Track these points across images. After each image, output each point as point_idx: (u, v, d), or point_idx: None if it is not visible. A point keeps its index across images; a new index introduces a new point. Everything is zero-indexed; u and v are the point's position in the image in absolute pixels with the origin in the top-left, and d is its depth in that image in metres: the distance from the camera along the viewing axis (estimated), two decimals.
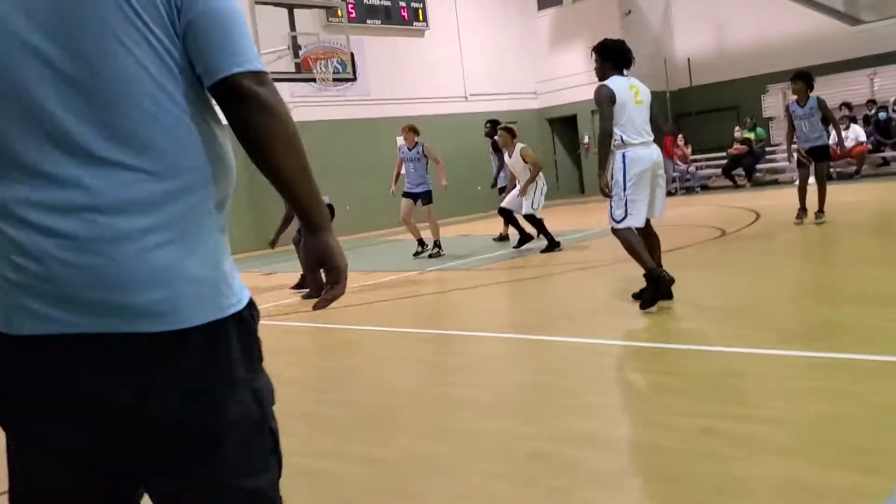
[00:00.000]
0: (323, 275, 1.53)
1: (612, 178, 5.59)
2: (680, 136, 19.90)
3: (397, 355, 5.21)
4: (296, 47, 13.92)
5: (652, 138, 5.68)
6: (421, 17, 19.58)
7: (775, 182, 18.40)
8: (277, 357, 5.65)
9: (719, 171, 19.10)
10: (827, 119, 9.48)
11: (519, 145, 10.82)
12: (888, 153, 16.85)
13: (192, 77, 1.36)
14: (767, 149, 19.26)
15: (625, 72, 5.75)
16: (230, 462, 1.38)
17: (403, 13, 19.18)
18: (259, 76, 1.37)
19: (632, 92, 5.62)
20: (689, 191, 19.07)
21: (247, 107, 1.36)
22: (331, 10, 16.69)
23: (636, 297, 5.72)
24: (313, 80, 14.44)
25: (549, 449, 3.12)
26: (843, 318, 4.72)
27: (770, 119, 19.97)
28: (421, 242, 11.04)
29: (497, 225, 12.63)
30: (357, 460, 3.28)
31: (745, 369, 3.90)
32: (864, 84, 18.41)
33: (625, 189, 5.53)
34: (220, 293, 1.36)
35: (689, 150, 19.64)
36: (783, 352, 4.06)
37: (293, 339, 6.25)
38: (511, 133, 10.83)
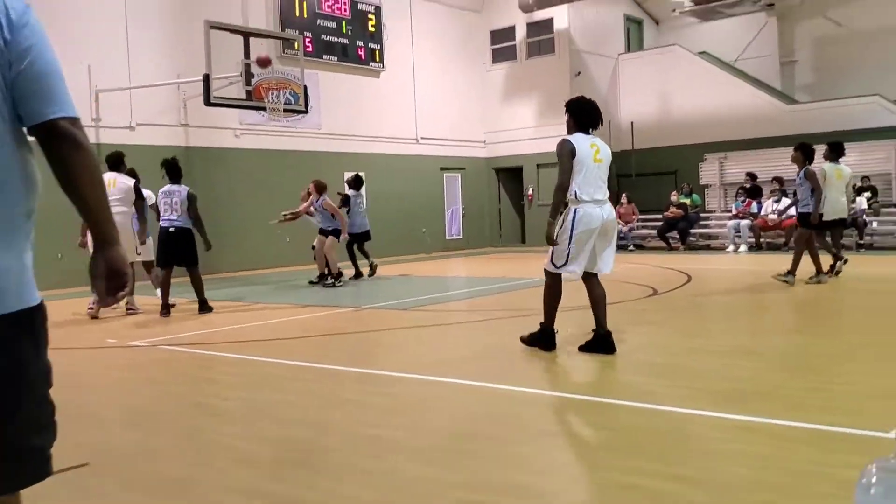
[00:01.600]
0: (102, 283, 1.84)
1: (559, 228, 5.76)
2: (624, 195, 20.42)
3: (327, 392, 5.14)
4: (248, 75, 13.87)
5: (605, 197, 5.84)
6: (377, 59, 19.76)
7: (708, 247, 18.95)
8: (205, 387, 5.52)
9: (654, 232, 19.60)
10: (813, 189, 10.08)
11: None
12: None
13: (15, 116, 1.71)
14: (702, 215, 19.88)
15: (591, 131, 5.93)
16: (24, 423, 1.74)
17: (360, 52, 19.34)
18: (74, 121, 1.77)
19: (592, 150, 5.79)
20: (624, 249, 19.46)
21: (66, 145, 1.74)
22: (287, 42, 16.72)
23: (582, 349, 5.91)
24: (264, 108, 14.38)
25: (474, 499, 3.11)
26: (769, 383, 4.85)
27: (706, 186, 20.66)
28: (322, 276, 12.58)
29: (438, 267, 12.69)
30: (275, 500, 3.20)
31: (673, 427, 3.96)
32: None
33: (569, 242, 5.73)
34: (27, 287, 1.74)
35: (632, 209, 20.10)
36: (711, 413, 4.14)
37: (221, 370, 6.12)
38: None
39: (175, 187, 9.58)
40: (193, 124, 16.01)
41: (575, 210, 5.73)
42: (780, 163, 19.13)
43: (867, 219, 16.68)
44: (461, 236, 22.50)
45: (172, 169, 9.69)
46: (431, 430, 4.12)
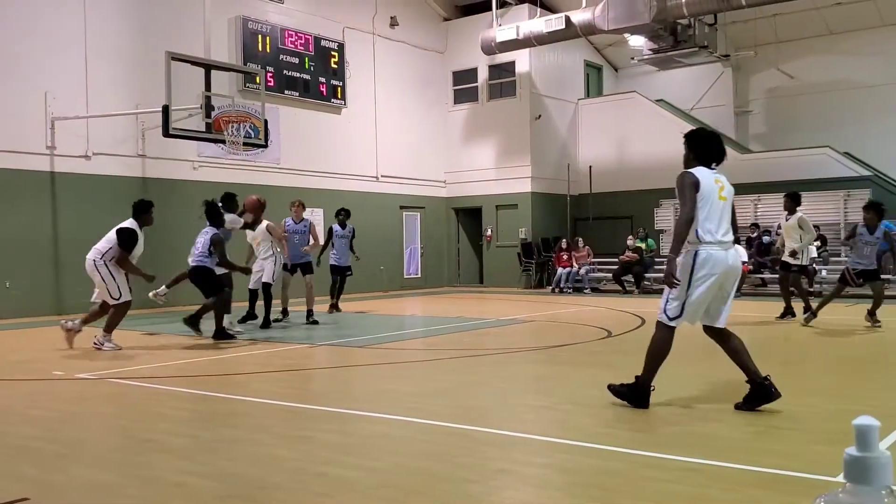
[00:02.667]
0: None
1: (678, 270, 5.16)
2: (579, 239, 20.69)
3: (278, 429, 5.06)
4: (208, 107, 13.82)
5: (731, 239, 5.25)
6: (339, 95, 19.87)
7: (662, 291, 19.15)
8: (153, 422, 5.39)
9: (610, 275, 19.83)
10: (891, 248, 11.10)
11: (265, 222, 11.24)
12: (767, 275, 17.91)
13: None
14: (657, 259, 20.18)
15: (713, 166, 5.36)
16: None
17: (322, 89, 19.43)
18: None
19: (717, 186, 5.22)
20: (579, 291, 19.66)
21: None
22: (249, 76, 16.73)
23: (740, 406, 5.27)
24: (223, 141, 14.32)
25: None
26: (716, 426, 4.90)
27: (661, 231, 21.01)
28: (285, 312, 11.87)
29: (395, 305, 12.65)
30: None
31: (621, 469, 3.97)
32: (749, 208, 19.70)
33: (688, 288, 5.17)
34: None
35: (587, 251, 20.34)
36: (659, 455, 4.17)
37: (171, 405, 5.98)
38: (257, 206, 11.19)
39: (207, 229, 9.78)
40: (151, 155, 15.86)
41: (696, 252, 5.13)
42: (737, 210, 19.57)
43: (817, 267, 17.07)
44: (419, 275, 22.49)
45: (209, 211, 9.82)
46: (382, 469, 4.08)
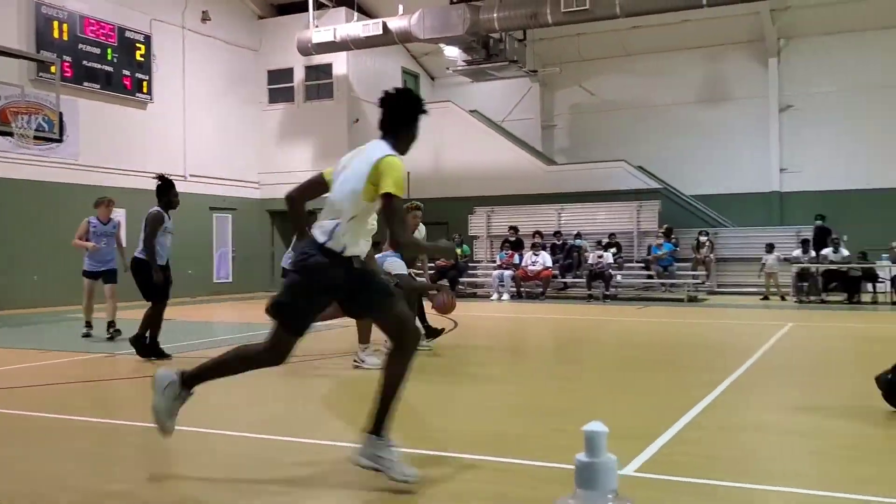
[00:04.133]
0: None
1: None
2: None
3: (65, 444, 4.68)
4: None
5: None
6: (145, 90, 18.85)
7: (475, 295, 19.80)
8: None
9: (425, 280, 20.14)
10: None
11: None
12: (569, 279, 18.95)
13: None
14: (471, 264, 20.82)
15: None
16: None
17: (126, 82, 18.35)
18: None
19: None
20: None
21: None
22: (43, 65, 15.47)
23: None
24: (11, 134, 13.14)
25: None
26: (516, 427, 5.10)
27: (475, 237, 21.67)
28: (89, 324, 10.55)
29: (205, 311, 12.11)
30: None
31: (434, 475, 4.02)
32: (553, 217, 20.77)
33: None
34: None
35: None
36: (467, 455, 4.26)
37: None
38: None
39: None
40: None
41: None
42: (540, 218, 20.61)
43: (612, 272, 18.28)
44: (230, 280, 21.75)
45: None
46: (174, 484, 3.88)
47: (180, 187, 19.39)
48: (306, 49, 20.56)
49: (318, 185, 4.29)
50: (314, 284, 3.76)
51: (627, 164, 21.32)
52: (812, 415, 5.46)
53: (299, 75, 22.30)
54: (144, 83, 18.81)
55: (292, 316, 3.83)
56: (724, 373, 6.97)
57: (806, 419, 5.31)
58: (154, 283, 8.12)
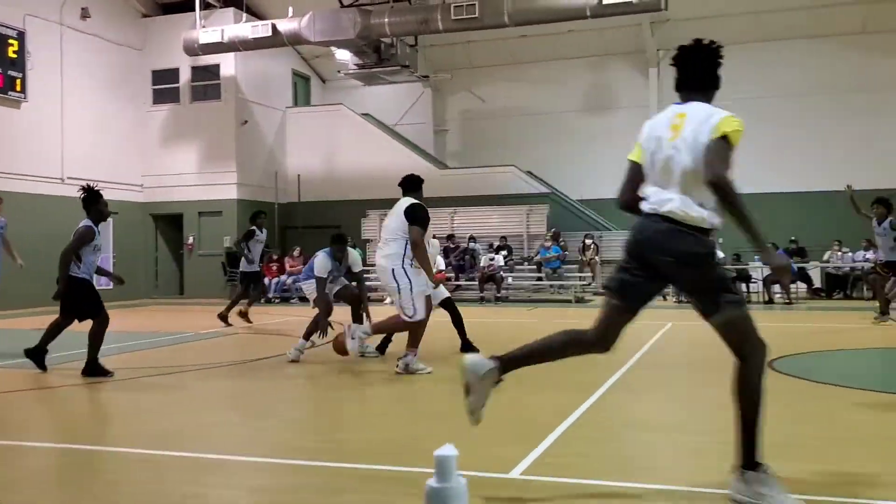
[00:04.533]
0: None
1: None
2: (298, 249, 20.64)
3: None
4: None
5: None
6: (19, 88, 17.90)
7: (368, 298, 19.65)
8: None
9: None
10: None
11: None
12: (463, 282, 19.18)
13: None
14: (364, 267, 20.67)
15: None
16: None
17: None
18: None
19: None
20: (286, 302, 19.61)
21: None
22: None
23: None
24: None
25: None
26: (418, 431, 5.15)
27: (368, 241, 21.62)
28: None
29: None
30: None
31: (316, 483, 4.01)
32: (447, 220, 20.99)
33: None
34: None
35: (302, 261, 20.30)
36: (360, 466, 4.27)
37: None
38: None
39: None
40: None
41: None
42: (434, 222, 20.68)
43: (504, 274, 18.63)
44: (111, 286, 20.85)
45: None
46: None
47: (56, 190, 18.61)
48: (193, 49, 20.00)
49: (639, 173, 3.95)
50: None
51: (517, 170, 21.78)
52: (692, 410, 5.74)
53: (185, 76, 21.68)
54: (18, 81, 17.85)
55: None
56: (608, 372, 7.23)
57: (686, 415, 5.58)
58: (83, 300, 7.69)
